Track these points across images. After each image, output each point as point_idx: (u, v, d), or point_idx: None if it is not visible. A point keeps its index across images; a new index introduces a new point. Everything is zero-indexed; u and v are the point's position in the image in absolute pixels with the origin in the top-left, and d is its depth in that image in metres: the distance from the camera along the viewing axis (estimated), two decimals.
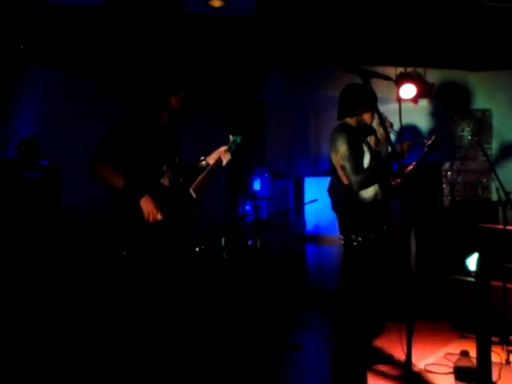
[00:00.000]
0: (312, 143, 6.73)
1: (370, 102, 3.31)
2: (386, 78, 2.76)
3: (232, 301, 4.56)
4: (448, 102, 6.20)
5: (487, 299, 2.85)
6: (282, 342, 4.19)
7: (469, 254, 4.64)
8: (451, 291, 4.68)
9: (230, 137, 3.21)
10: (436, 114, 6.25)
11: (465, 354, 2.76)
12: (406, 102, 5.89)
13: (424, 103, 6.19)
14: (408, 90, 5.79)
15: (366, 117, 3.48)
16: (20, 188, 3.90)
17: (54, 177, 4.19)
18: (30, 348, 3.54)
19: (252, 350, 4.04)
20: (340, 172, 3.39)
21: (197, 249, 4.49)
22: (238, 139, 3.22)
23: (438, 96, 6.16)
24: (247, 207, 5.49)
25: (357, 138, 3.40)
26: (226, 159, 3.14)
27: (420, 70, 6.05)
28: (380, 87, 3.66)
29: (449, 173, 6.05)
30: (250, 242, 4.86)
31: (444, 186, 6.02)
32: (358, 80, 2.77)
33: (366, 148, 3.45)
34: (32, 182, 3.99)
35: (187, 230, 3.05)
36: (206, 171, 3.07)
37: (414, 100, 5.91)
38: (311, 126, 6.73)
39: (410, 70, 5.94)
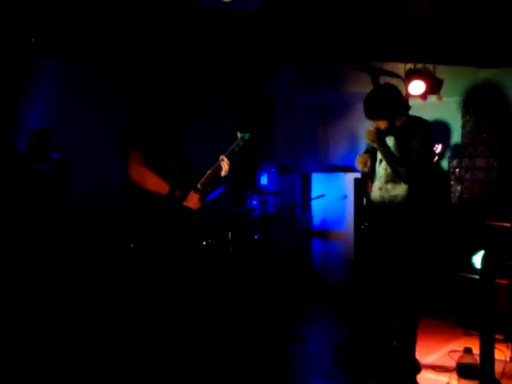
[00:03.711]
0: (320, 139, 6.74)
1: None
2: (395, 75, 2.78)
3: (238, 294, 4.59)
4: (457, 99, 6.17)
5: (492, 296, 2.86)
6: (287, 336, 4.23)
7: (476, 251, 4.64)
8: (457, 288, 4.69)
9: (238, 134, 3.20)
10: (445, 110, 6.22)
11: (468, 351, 2.78)
12: (414, 98, 5.87)
13: (433, 100, 6.16)
14: (417, 87, 5.76)
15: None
16: (31, 180, 3.94)
17: (65, 169, 4.22)
18: (33, 340, 3.59)
19: (258, 344, 4.07)
20: None
21: (204, 242, 4.52)
22: (247, 136, 3.20)
23: (448, 93, 6.13)
24: (254, 202, 5.51)
25: None
26: (224, 166, 3.07)
27: (429, 66, 6.03)
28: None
29: (457, 170, 6.03)
30: (256, 237, 4.89)
31: (452, 183, 6.01)
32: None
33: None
34: (42, 175, 4.01)
35: (196, 223, 3.10)
36: (211, 169, 3.09)
37: (423, 96, 5.88)
38: (320, 122, 6.73)
39: (419, 66, 5.91)
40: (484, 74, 6.10)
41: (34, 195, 3.92)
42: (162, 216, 2.90)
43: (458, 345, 3.93)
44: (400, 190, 3.42)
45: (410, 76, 5.81)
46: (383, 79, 2.87)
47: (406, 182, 3.38)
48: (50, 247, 3.92)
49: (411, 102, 5.83)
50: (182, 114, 3.10)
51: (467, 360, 2.67)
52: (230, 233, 4.49)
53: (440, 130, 6.15)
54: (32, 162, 3.99)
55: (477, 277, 4.49)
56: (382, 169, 3.54)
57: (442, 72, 6.08)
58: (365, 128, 3.68)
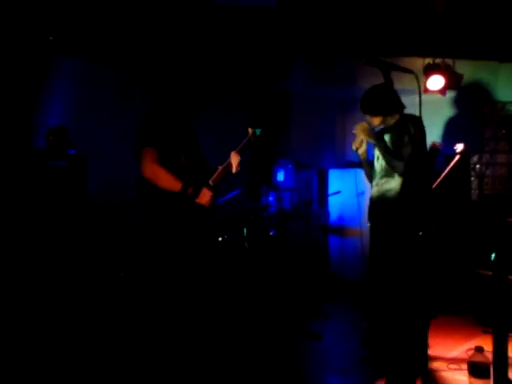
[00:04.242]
0: (337, 135, 6.69)
1: None
2: (407, 70, 2.72)
3: (254, 291, 4.59)
4: (477, 94, 6.06)
5: (505, 294, 2.80)
6: (303, 332, 4.21)
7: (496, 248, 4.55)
8: (477, 286, 4.61)
9: (249, 130, 3.19)
10: (465, 106, 6.12)
11: (479, 349, 2.72)
12: (433, 93, 5.79)
13: (453, 95, 6.06)
14: (436, 82, 5.68)
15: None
16: (48, 177, 3.99)
17: (81, 166, 4.27)
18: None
19: (274, 340, 4.07)
20: None
21: (220, 238, 4.52)
22: (258, 132, 3.20)
23: (468, 87, 6.02)
24: (270, 198, 5.49)
25: None
26: (234, 162, 3.08)
27: (449, 61, 5.93)
28: (406, 78, 3.62)
29: (477, 166, 5.93)
30: (272, 233, 4.88)
31: (472, 179, 5.91)
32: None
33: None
34: (59, 171, 4.07)
35: (208, 220, 3.10)
36: (223, 165, 3.10)
37: (442, 91, 5.79)
38: (337, 118, 6.68)
39: (438, 60, 5.82)
40: (505, 68, 5.98)
41: (50, 191, 3.97)
42: (175, 213, 2.91)
43: (477, 343, 3.82)
44: (394, 184, 3.47)
45: (429, 71, 5.72)
46: (395, 74, 2.83)
47: (402, 175, 3.42)
48: (65, 242, 3.97)
49: (431, 97, 5.84)
50: (191, 107, 3.11)
51: (478, 358, 2.62)
52: (245, 229, 4.49)
53: (460, 125, 6.05)
54: (49, 159, 4.05)
55: None
56: (378, 165, 3.63)
57: (461, 66, 5.97)
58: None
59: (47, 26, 4.67)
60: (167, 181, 2.86)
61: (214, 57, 5.62)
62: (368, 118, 3.65)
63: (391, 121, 3.59)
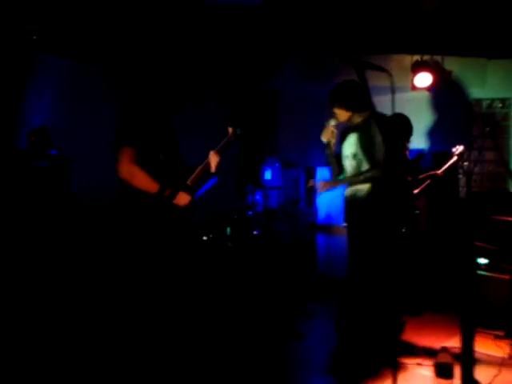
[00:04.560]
0: None
1: None
2: (381, 69, 2.71)
3: (238, 290, 4.59)
4: (466, 91, 6.04)
5: (473, 291, 2.81)
6: (286, 332, 4.21)
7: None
8: (460, 283, 4.62)
9: (230, 129, 3.18)
10: (453, 103, 6.10)
11: (444, 350, 2.73)
12: (421, 90, 5.78)
13: (441, 92, 6.04)
14: (424, 79, 5.67)
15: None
16: (29, 177, 3.99)
17: (64, 166, 4.27)
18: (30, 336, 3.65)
19: (256, 341, 4.06)
20: None
21: (204, 238, 4.53)
22: (238, 131, 3.19)
23: (456, 84, 6.01)
24: (257, 197, 5.48)
25: None
26: (213, 162, 3.06)
27: (437, 58, 5.91)
28: (394, 75, 3.62)
29: (465, 163, 5.92)
30: (256, 232, 4.88)
31: (460, 176, 5.90)
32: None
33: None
34: (40, 171, 4.07)
35: (187, 220, 3.10)
36: (201, 165, 3.09)
37: (430, 89, 5.78)
38: (325, 116, 6.66)
39: (426, 57, 5.81)
40: (493, 64, 5.96)
41: (31, 191, 3.97)
42: (151, 214, 2.89)
43: (458, 340, 3.86)
44: (364, 184, 3.44)
45: (417, 68, 5.71)
46: (369, 73, 2.82)
47: (384, 178, 3.42)
48: (46, 241, 3.97)
49: (419, 94, 5.82)
50: (169, 105, 3.10)
51: (444, 359, 2.62)
52: (228, 228, 4.49)
53: (448, 122, 6.04)
54: (30, 159, 4.05)
55: (482, 272, 4.40)
56: (348, 165, 3.65)
57: (450, 63, 5.95)
58: None
59: (31, 25, 4.66)
60: (144, 182, 2.85)
61: (201, 55, 5.61)
62: (335, 112, 3.63)
63: (358, 119, 3.59)
